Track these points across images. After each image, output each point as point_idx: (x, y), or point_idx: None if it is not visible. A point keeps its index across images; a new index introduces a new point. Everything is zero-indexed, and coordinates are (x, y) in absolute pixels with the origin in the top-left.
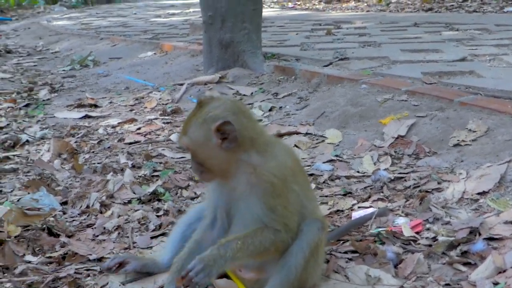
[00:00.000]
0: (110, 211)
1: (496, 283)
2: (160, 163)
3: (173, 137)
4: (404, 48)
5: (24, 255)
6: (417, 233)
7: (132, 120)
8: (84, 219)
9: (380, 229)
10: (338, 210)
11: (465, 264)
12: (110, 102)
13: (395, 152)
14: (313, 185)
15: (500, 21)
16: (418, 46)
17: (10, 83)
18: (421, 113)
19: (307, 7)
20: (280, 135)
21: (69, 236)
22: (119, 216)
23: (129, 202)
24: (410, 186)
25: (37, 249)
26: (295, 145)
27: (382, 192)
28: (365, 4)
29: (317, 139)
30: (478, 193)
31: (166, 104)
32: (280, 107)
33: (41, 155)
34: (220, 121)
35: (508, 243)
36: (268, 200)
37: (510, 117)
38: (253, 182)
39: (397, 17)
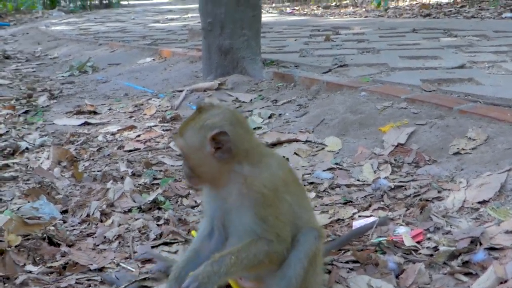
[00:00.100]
0: (110, 220)
1: None
2: (160, 171)
3: (173, 144)
4: (403, 54)
5: (24, 264)
6: (418, 242)
7: (132, 127)
8: (85, 228)
9: (381, 238)
10: (338, 219)
11: (466, 274)
12: (110, 109)
13: (395, 160)
14: (313, 194)
15: (498, 27)
16: (416, 53)
17: (9, 89)
18: (421, 121)
19: (305, 12)
20: (280, 143)
21: (69, 246)
22: (119, 225)
23: (130, 210)
24: (410, 194)
25: (38, 258)
26: (295, 153)
27: (383, 201)
28: (363, 10)
29: (316, 147)
30: (479, 202)
31: (165, 111)
32: (280, 114)
33: (41, 163)
34: (216, 130)
35: (509, 253)
36: (259, 210)
37: (509, 126)
38: (244, 193)
39: (396, 23)
